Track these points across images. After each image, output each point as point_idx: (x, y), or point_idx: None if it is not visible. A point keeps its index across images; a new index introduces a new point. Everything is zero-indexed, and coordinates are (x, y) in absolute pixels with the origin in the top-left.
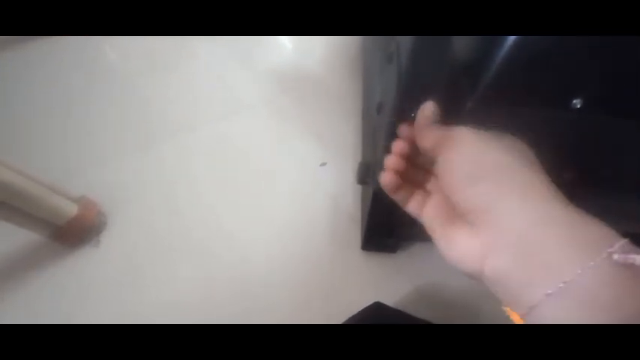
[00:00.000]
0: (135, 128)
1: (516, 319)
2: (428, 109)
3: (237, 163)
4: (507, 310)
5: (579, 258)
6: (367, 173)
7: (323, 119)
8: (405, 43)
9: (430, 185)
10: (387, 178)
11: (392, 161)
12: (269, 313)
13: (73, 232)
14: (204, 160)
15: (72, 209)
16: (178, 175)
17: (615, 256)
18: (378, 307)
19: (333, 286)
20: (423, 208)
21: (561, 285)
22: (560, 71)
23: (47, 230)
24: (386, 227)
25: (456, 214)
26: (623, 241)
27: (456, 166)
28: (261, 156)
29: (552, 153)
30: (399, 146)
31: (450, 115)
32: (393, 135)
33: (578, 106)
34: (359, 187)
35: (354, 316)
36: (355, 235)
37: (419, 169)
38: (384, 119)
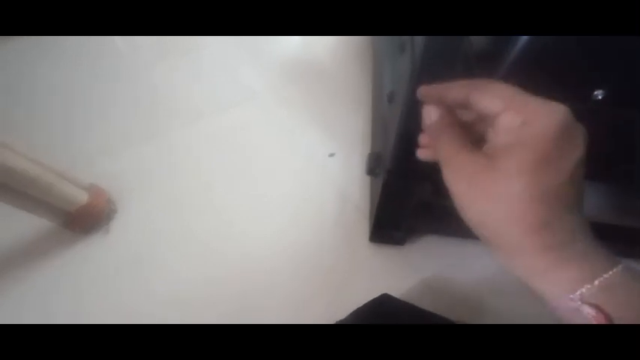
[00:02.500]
0: (143, 117)
1: None
2: (433, 114)
3: (244, 152)
4: None
5: (555, 294)
6: (377, 164)
7: (331, 109)
8: None
9: None
10: (423, 154)
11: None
12: (275, 302)
13: (84, 219)
14: (212, 150)
15: (82, 197)
16: (186, 164)
17: (571, 303)
18: (385, 299)
19: (340, 278)
20: None
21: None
22: (581, 60)
23: (58, 217)
24: (395, 219)
25: None
26: (591, 284)
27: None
28: (269, 145)
29: None
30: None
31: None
32: (406, 123)
33: (600, 98)
34: (367, 178)
35: (361, 307)
36: (363, 226)
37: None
38: (396, 108)
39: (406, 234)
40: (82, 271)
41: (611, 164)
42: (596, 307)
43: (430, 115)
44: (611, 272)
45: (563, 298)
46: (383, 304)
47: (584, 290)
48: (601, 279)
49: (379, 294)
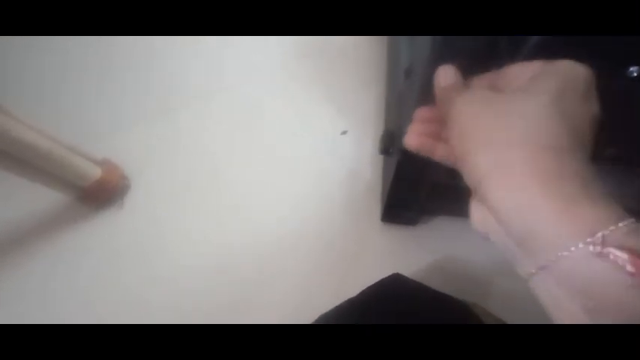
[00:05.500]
0: (154, 93)
1: None
2: (446, 73)
3: (256, 129)
4: None
5: (562, 241)
6: (391, 143)
7: (344, 85)
8: None
9: None
10: (412, 140)
11: (415, 127)
12: (286, 280)
13: (98, 193)
14: (223, 126)
15: (96, 171)
16: (197, 140)
17: (591, 248)
18: (396, 278)
19: (351, 257)
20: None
21: (543, 264)
22: (615, 35)
23: (73, 192)
24: (407, 199)
25: None
26: (615, 226)
27: (451, 139)
28: (279, 122)
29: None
30: (422, 114)
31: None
32: (425, 100)
33: (635, 74)
34: (379, 157)
35: (372, 286)
36: (374, 206)
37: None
38: (413, 85)
39: (418, 214)
40: (96, 245)
41: (637, 146)
42: (629, 250)
43: (446, 76)
44: (633, 219)
45: (578, 243)
46: (394, 283)
47: (607, 232)
48: (627, 222)
49: (390, 273)
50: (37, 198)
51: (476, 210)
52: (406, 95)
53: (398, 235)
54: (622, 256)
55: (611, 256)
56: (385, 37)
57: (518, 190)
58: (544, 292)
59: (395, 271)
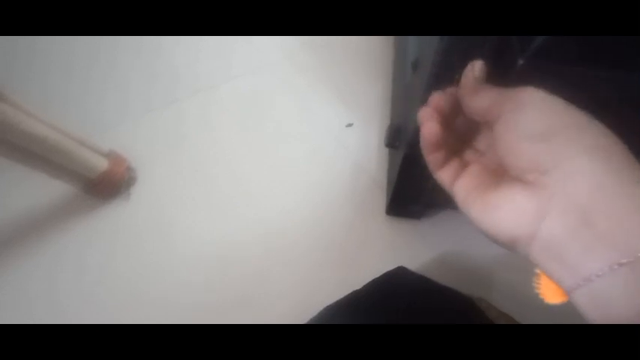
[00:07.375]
0: (160, 85)
1: (552, 297)
2: (478, 68)
3: (260, 120)
4: (541, 286)
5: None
6: (397, 136)
7: (350, 77)
8: None
9: (467, 155)
10: (430, 128)
11: (429, 112)
12: (292, 272)
13: (105, 185)
14: (228, 117)
15: (102, 163)
16: (203, 131)
17: None
18: (401, 272)
19: (355, 250)
20: (457, 178)
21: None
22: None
23: (80, 183)
24: (413, 193)
25: (502, 178)
26: None
27: (524, 123)
28: (285, 114)
29: (612, 120)
30: (436, 100)
31: (499, 73)
32: (432, 93)
33: None
34: (385, 150)
35: (377, 279)
36: (379, 199)
37: (455, 137)
38: (421, 77)
39: (423, 208)
40: (102, 237)
41: None
42: None
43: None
44: None
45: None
46: (398, 276)
47: None
48: None
49: (395, 266)
50: (43, 189)
51: (511, 204)
52: (413, 88)
53: (403, 228)
54: None
55: None
56: None
57: (602, 171)
58: (619, 294)
59: (399, 265)
